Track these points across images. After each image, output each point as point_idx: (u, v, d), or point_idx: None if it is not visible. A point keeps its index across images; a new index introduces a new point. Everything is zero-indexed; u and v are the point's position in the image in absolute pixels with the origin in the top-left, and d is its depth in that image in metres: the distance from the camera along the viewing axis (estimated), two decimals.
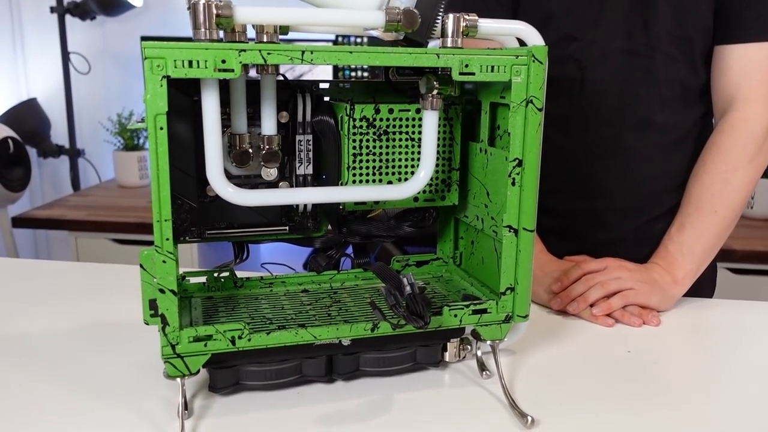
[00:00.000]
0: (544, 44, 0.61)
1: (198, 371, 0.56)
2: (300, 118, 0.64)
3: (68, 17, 2.26)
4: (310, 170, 0.66)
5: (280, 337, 0.57)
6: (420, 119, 0.65)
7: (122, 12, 2.20)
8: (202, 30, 0.52)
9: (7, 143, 1.98)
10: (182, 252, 1.43)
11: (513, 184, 0.60)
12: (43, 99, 2.44)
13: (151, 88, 0.49)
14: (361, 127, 0.64)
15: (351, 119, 0.63)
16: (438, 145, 0.66)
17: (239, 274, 0.71)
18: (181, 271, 0.70)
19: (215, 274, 0.70)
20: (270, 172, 0.64)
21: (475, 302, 0.62)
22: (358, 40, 2.12)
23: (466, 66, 0.56)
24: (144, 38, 2.23)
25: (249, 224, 0.67)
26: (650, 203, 0.95)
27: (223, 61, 0.50)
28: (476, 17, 0.59)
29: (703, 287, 0.98)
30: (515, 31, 0.62)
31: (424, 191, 0.68)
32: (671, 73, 0.90)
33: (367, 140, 0.64)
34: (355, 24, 0.56)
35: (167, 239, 0.53)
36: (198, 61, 0.50)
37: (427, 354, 0.65)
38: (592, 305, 0.81)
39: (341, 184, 0.65)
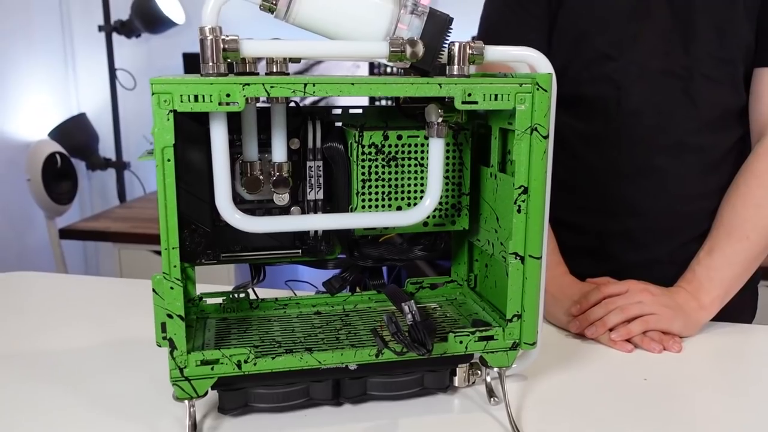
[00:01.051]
0: (551, 72, 0.61)
1: (206, 393, 0.58)
2: (310, 144, 0.65)
3: (115, 35, 2.35)
4: (320, 195, 0.67)
5: (285, 362, 0.58)
6: (425, 146, 0.65)
7: (166, 29, 2.27)
8: (210, 64, 0.54)
9: (54, 158, 2.06)
10: (218, 270, 1.46)
11: (519, 211, 0.60)
12: (92, 114, 2.53)
13: (158, 122, 0.51)
14: (369, 153, 0.65)
15: (360, 145, 0.64)
16: (447, 171, 0.67)
17: (262, 292, 0.73)
18: (199, 291, 0.72)
19: (231, 295, 0.72)
20: (282, 198, 0.66)
21: (481, 329, 0.62)
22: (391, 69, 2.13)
23: (469, 95, 0.57)
24: (186, 55, 2.29)
25: (263, 247, 0.69)
26: (685, 225, 0.93)
27: (228, 95, 0.52)
28: (482, 44, 0.60)
29: (741, 311, 0.95)
30: (523, 58, 0.62)
31: (434, 216, 0.68)
32: (710, 95, 0.88)
33: (376, 166, 0.65)
34: (359, 56, 0.57)
35: (175, 266, 0.54)
36: (203, 96, 0.52)
37: (435, 379, 0.65)
38: (611, 329, 0.80)
39: (351, 210, 0.66)
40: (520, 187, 0.59)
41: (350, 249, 0.69)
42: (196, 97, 0.52)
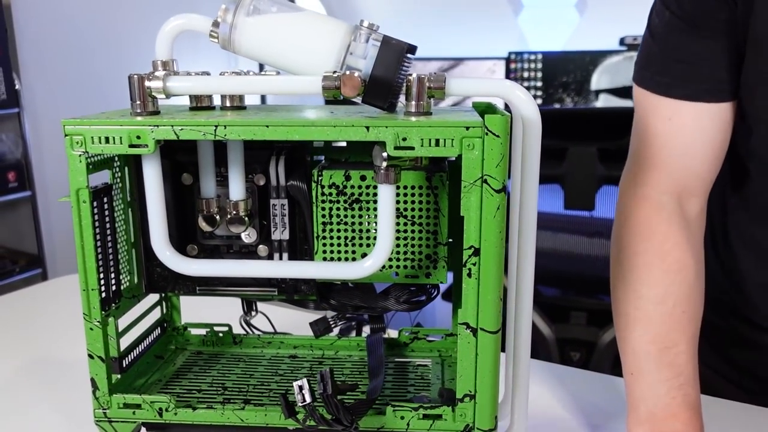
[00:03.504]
0: (533, 108, 0.51)
1: None
2: (274, 182, 0.61)
3: None
4: (285, 236, 0.62)
5: (204, 416, 0.55)
6: (396, 187, 0.58)
7: None
8: (138, 102, 0.52)
9: None
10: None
11: (469, 275, 0.50)
12: None
13: (72, 164, 0.51)
14: (330, 194, 0.59)
15: (319, 186, 0.59)
16: (420, 218, 0.59)
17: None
18: (184, 321, 0.72)
19: (212, 329, 0.70)
20: (248, 235, 0.63)
21: (425, 405, 0.54)
22: None
23: (404, 139, 0.49)
24: None
25: (240, 284, 0.66)
26: None
27: (138, 137, 0.50)
28: (443, 76, 0.51)
29: None
30: (494, 92, 0.52)
31: (405, 266, 0.60)
32: None
33: (338, 209, 0.59)
34: (291, 92, 0.52)
35: (94, 308, 0.54)
36: (113, 138, 0.50)
37: None
38: None
39: (315, 254, 0.61)
40: (470, 248, 0.50)
41: (320, 293, 0.64)
42: (107, 138, 0.50)
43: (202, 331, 0.71)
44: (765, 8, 0.61)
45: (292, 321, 0.80)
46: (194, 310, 0.73)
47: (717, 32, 0.64)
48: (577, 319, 1.55)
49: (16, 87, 1.93)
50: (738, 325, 0.80)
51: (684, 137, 0.67)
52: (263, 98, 2.36)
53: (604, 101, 2.08)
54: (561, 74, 2.12)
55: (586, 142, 1.00)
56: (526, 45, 2.31)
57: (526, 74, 2.16)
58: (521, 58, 2.17)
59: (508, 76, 2.22)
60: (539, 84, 2.15)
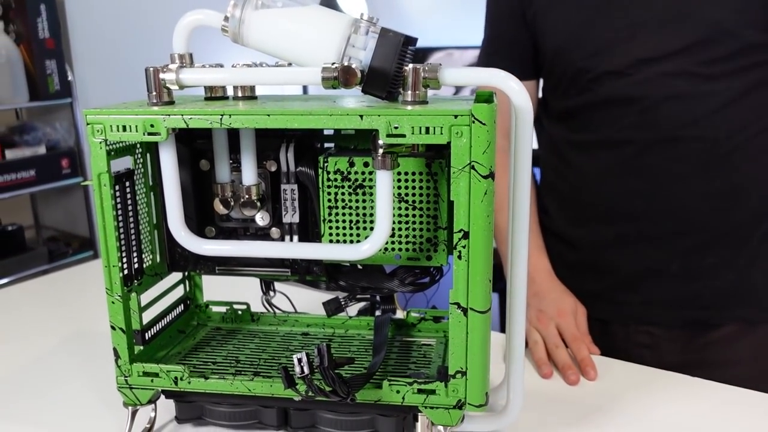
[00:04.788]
0: (524, 95, 0.53)
1: (153, 401, 0.62)
2: (284, 167, 0.65)
3: None
4: (296, 219, 0.66)
5: (216, 385, 0.59)
6: (397, 173, 0.61)
7: None
8: (154, 93, 0.56)
9: None
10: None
11: (460, 257, 0.53)
12: None
13: (93, 150, 0.55)
14: (335, 180, 0.62)
15: (325, 172, 0.62)
16: (421, 203, 0.61)
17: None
18: (206, 299, 0.76)
19: (232, 307, 0.75)
20: (262, 218, 0.67)
21: (420, 380, 0.57)
22: None
23: (396, 127, 0.51)
24: None
25: (256, 264, 0.70)
26: (685, 230, 0.85)
27: (152, 126, 0.54)
28: (438, 66, 0.54)
29: None
30: (486, 81, 0.54)
31: (407, 249, 0.63)
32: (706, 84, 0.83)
33: (342, 194, 0.62)
34: (294, 82, 0.55)
35: (115, 283, 0.58)
36: (130, 126, 0.54)
37: (387, 425, 0.61)
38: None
39: (322, 237, 0.64)
40: (459, 231, 0.52)
41: (329, 274, 0.68)
42: (124, 127, 0.54)
43: (223, 309, 0.75)
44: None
45: (309, 300, 0.84)
46: (216, 289, 0.77)
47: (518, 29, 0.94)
48: None
49: (69, 78, 2.02)
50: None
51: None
52: (305, 89, 2.41)
53: None
54: None
55: None
56: None
57: None
58: None
59: None
60: None
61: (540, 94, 0.99)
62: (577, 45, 0.88)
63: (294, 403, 0.61)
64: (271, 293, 0.75)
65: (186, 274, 0.74)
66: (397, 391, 0.57)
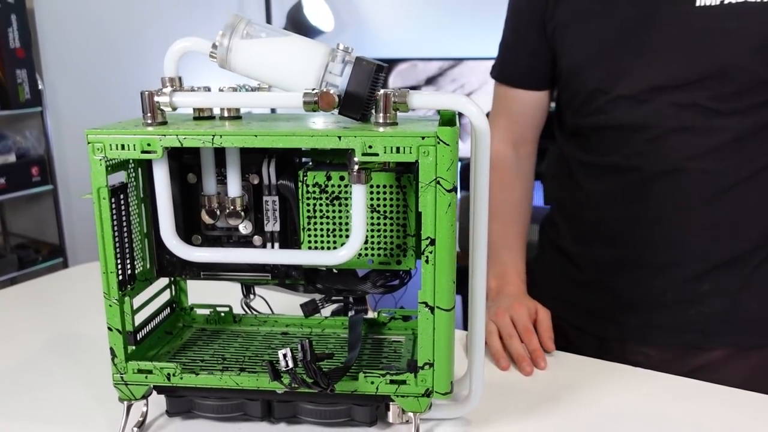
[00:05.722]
0: (482, 119, 0.60)
1: (145, 396, 0.67)
2: (266, 180, 0.71)
3: None
4: (277, 227, 0.72)
5: (207, 380, 0.65)
6: (370, 186, 0.67)
7: (314, 36, 2.44)
8: (149, 114, 0.62)
9: None
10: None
11: (427, 262, 0.60)
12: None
13: (93, 167, 0.60)
14: (314, 192, 0.68)
15: (304, 185, 0.68)
16: (391, 212, 0.68)
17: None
18: (190, 302, 0.81)
19: (216, 309, 0.80)
20: (245, 227, 0.72)
21: (392, 372, 0.63)
22: None
23: (370, 147, 0.58)
24: None
25: (238, 269, 0.76)
26: (685, 259, 0.88)
27: (149, 145, 0.60)
28: (406, 92, 0.60)
29: None
30: (450, 105, 0.61)
31: (379, 255, 0.70)
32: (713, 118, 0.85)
33: (320, 205, 0.68)
34: (277, 105, 0.62)
35: (112, 288, 0.64)
36: (128, 145, 0.60)
37: (362, 413, 0.67)
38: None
39: (301, 244, 0.70)
40: (427, 239, 0.59)
41: (307, 277, 0.74)
42: (123, 146, 0.60)
43: (207, 311, 0.81)
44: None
45: (285, 303, 0.90)
46: (198, 293, 0.83)
47: (535, 41, 0.96)
48: None
49: (40, 87, 2.04)
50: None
51: (512, 110, 1.03)
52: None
53: None
54: None
55: None
56: None
57: None
58: None
59: None
60: None
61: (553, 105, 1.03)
62: (594, 65, 0.89)
63: (277, 396, 0.67)
64: (251, 296, 0.81)
65: (172, 279, 0.79)
66: (372, 382, 0.63)
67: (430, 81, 2.38)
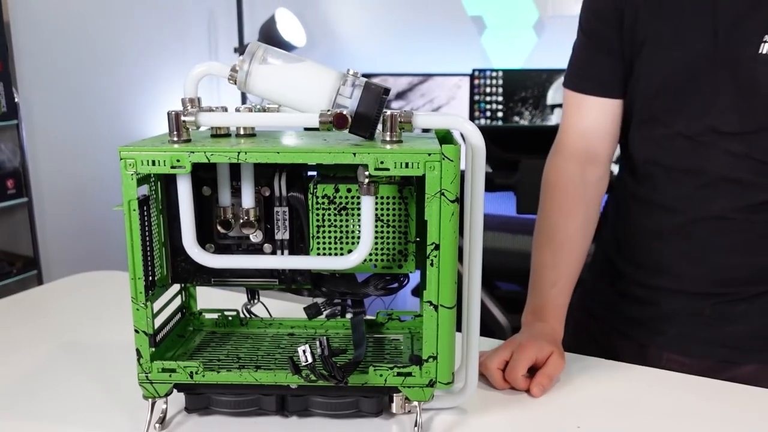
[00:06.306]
0: (479, 138, 0.67)
1: (169, 394, 0.72)
2: (277, 193, 0.77)
3: None
4: (287, 236, 0.78)
5: (227, 377, 0.71)
6: (375, 198, 0.74)
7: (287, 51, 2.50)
8: (175, 132, 0.67)
9: None
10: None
11: (432, 265, 0.67)
12: None
13: (125, 181, 0.66)
14: (323, 203, 0.75)
15: (314, 196, 0.74)
16: (393, 221, 0.75)
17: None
18: (199, 308, 0.87)
19: (224, 313, 0.86)
20: (255, 235, 0.78)
21: (399, 365, 0.70)
22: None
23: (381, 162, 0.65)
24: None
25: (247, 275, 0.81)
26: (729, 290, 0.92)
27: (178, 161, 0.65)
28: (411, 113, 0.67)
29: None
30: (450, 125, 0.69)
31: (382, 260, 0.76)
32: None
33: (329, 215, 0.75)
34: (296, 125, 0.68)
35: (140, 293, 0.69)
36: (159, 161, 0.65)
37: (369, 404, 0.74)
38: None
39: (310, 251, 0.76)
40: (432, 244, 0.66)
41: (313, 281, 0.80)
42: (153, 161, 0.65)
43: (215, 316, 0.86)
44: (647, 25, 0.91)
45: (285, 308, 0.96)
46: (206, 299, 0.88)
47: (611, 50, 0.95)
48: None
49: (16, 100, 2.04)
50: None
51: (586, 120, 0.98)
52: None
53: (558, 115, 2.28)
54: (520, 90, 2.32)
55: (537, 154, 1.20)
56: (489, 63, 2.50)
57: (488, 89, 2.36)
58: (484, 74, 2.37)
59: (472, 92, 2.40)
60: (500, 99, 2.35)
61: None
62: (662, 94, 0.89)
63: (290, 391, 0.73)
64: (254, 301, 0.86)
65: (183, 285, 0.84)
66: (381, 375, 0.70)
67: (400, 96, 2.46)
